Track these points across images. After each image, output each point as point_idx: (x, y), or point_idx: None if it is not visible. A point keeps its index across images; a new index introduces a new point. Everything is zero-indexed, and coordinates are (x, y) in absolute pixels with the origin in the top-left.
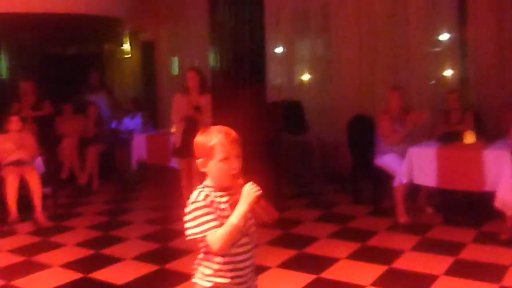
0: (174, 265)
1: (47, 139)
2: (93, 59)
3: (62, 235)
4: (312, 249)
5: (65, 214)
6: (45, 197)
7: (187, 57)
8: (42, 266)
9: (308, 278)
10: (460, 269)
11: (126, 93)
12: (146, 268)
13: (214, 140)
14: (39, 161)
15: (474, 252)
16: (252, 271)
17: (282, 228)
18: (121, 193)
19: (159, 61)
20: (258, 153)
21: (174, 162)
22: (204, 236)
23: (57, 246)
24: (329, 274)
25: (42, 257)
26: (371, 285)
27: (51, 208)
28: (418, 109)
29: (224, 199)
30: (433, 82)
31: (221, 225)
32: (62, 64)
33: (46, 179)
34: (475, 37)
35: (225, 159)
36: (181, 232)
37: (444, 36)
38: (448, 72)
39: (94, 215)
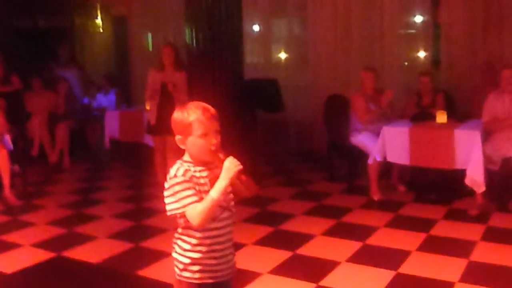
0: (149, 243)
1: (16, 115)
2: (63, 33)
3: (33, 214)
4: (288, 226)
5: (36, 193)
6: (14, 174)
7: (161, 32)
8: (12, 246)
9: (285, 254)
10: (431, 245)
11: (98, 69)
12: (120, 246)
13: (193, 116)
14: (7, 138)
15: (445, 228)
16: (231, 246)
17: (258, 206)
18: (94, 171)
19: (132, 37)
20: (234, 131)
21: (148, 140)
22: (184, 211)
23: (27, 225)
24: (305, 250)
25: (12, 236)
26: (346, 261)
27: (20, 187)
28: (391, 89)
29: (204, 174)
30: (406, 63)
31: (200, 200)
32: (31, 38)
33: (14, 157)
34: (448, 20)
35: (204, 135)
36: (155, 210)
37: (418, 18)
38: (421, 54)
39: (65, 194)
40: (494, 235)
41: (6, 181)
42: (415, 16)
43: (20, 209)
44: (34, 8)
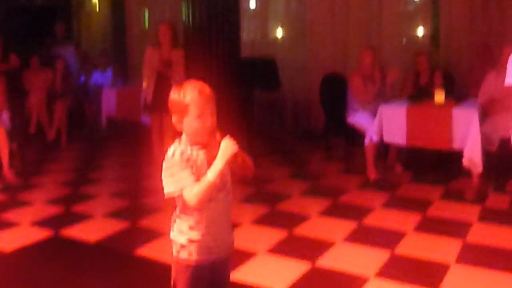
0: (146, 222)
1: (13, 93)
2: (60, 11)
3: (31, 192)
4: (284, 206)
5: (34, 171)
6: (11, 153)
7: (158, 10)
8: (10, 224)
9: (281, 234)
10: (428, 225)
11: (95, 47)
12: (118, 225)
13: (189, 97)
14: (5, 116)
15: (441, 209)
16: (228, 226)
17: (254, 186)
18: (91, 150)
19: (129, 14)
20: (230, 109)
21: (145, 118)
22: (181, 192)
23: (25, 203)
24: (301, 230)
25: (11, 215)
26: (342, 241)
27: (18, 165)
28: (390, 67)
29: (201, 154)
30: (405, 41)
31: (198, 180)
32: (28, 16)
33: (12, 135)
34: None
35: (200, 116)
36: (152, 189)
37: None
38: (419, 31)
39: (63, 172)
40: (491, 216)
41: (5, 160)
42: None
43: (19, 187)
44: None
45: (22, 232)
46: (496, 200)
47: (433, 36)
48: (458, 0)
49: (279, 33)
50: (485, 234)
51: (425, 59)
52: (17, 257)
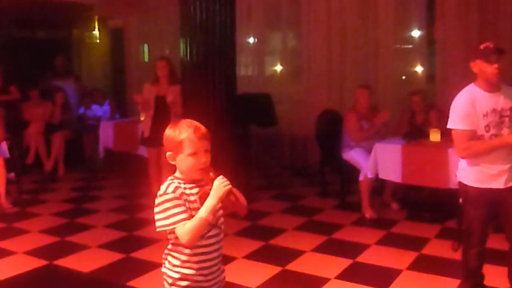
0: (141, 254)
1: (13, 124)
2: (61, 44)
3: (27, 222)
4: (278, 241)
5: (30, 200)
6: (9, 182)
7: (157, 45)
8: (5, 253)
9: (274, 269)
10: (423, 264)
11: (95, 80)
12: (112, 256)
13: (183, 135)
14: (4, 146)
15: (437, 248)
16: (220, 262)
17: (249, 220)
18: (88, 181)
19: (128, 49)
20: (227, 145)
21: (142, 151)
22: (173, 228)
23: (21, 232)
24: (295, 266)
25: (6, 243)
26: (336, 278)
27: (15, 194)
28: (385, 105)
29: (194, 191)
30: (404, 77)
31: (190, 217)
32: (30, 48)
33: (10, 165)
34: (443, 36)
35: (194, 154)
36: (147, 221)
37: (413, 34)
38: (416, 69)
39: (59, 202)
40: (489, 257)
41: (2, 189)
42: (410, 31)
43: (15, 216)
44: (32, 19)
45: (16, 261)
46: (494, 241)
47: (429, 74)
48: (454, 39)
49: (276, 68)
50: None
51: (420, 99)
52: (11, 286)
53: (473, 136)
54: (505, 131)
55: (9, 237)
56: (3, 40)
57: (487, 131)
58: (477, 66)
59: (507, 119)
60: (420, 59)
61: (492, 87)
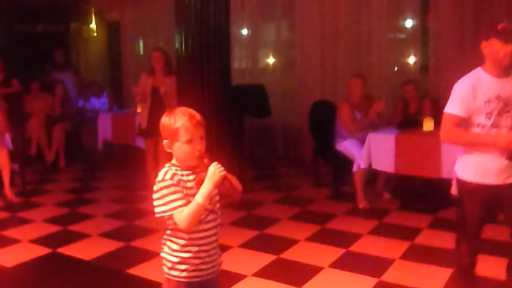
0: (140, 243)
1: (15, 116)
2: (59, 38)
3: (31, 211)
4: (273, 230)
5: (33, 191)
6: (13, 173)
7: (152, 38)
8: (11, 241)
9: (269, 258)
10: (415, 253)
11: (92, 72)
12: (112, 245)
13: (179, 122)
14: (7, 138)
15: (429, 237)
16: (217, 246)
17: (244, 209)
18: (88, 172)
19: (125, 41)
20: (221, 135)
21: (140, 142)
22: (172, 214)
23: (25, 221)
24: (289, 254)
25: (11, 232)
26: (330, 266)
27: (19, 185)
28: (379, 95)
29: (191, 177)
30: (397, 69)
31: (188, 203)
32: (30, 42)
33: (14, 156)
34: (437, 25)
35: (189, 141)
36: (146, 211)
37: (406, 23)
38: (409, 59)
39: (61, 192)
40: (487, 249)
41: (6, 179)
42: (404, 20)
43: (19, 206)
44: (32, 14)
45: (22, 249)
46: (488, 230)
47: (423, 64)
48: (448, 28)
49: (269, 60)
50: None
51: (413, 88)
52: (17, 272)
53: (462, 123)
54: (507, 121)
55: (14, 226)
56: (4, 35)
57: (488, 119)
58: (491, 46)
59: None
60: (414, 48)
61: (501, 71)
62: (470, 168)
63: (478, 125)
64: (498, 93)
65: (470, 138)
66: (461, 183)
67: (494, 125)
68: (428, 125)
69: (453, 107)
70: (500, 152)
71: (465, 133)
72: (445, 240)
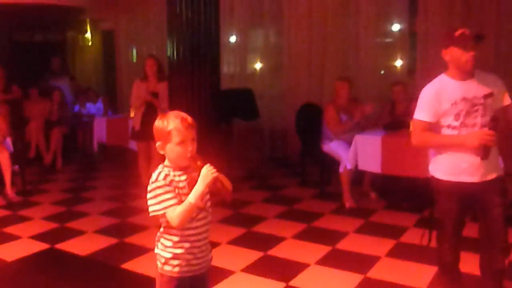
0: (133, 239)
1: (16, 120)
2: (57, 46)
3: (30, 209)
4: (260, 228)
5: (33, 190)
6: (13, 174)
7: (145, 45)
8: (12, 237)
9: (256, 254)
10: (401, 252)
11: (88, 79)
12: (107, 241)
13: (172, 125)
14: (9, 141)
15: (415, 236)
16: (208, 243)
17: (232, 208)
18: (83, 172)
19: (119, 49)
20: (211, 137)
21: (133, 145)
22: (165, 212)
23: (25, 219)
24: (276, 251)
25: (12, 229)
26: (316, 263)
27: (19, 185)
28: (366, 99)
29: (183, 178)
30: (383, 72)
31: (180, 202)
32: (29, 51)
33: (14, 158)
34: (425, 29)
35: (182, 142)
36: (139, 209)
37: (394, 27)
38: (396, 63)
39: (58, 192)
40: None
41: (8, 180)
42: (391, 25)
43: (19, 205)
44: (31, 24)
45: (22, 244)
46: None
47: (410, 67)
48: (436, 31)
49: (258, 65)
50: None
51: (401, 89)
52: (17, 266)
53: (430, 127)
54: (478, 120)
55: (15, 223)
56: (5, 44)
57: (457, 120)
58: (451, 53)
59: (480, 107)
60: (401, 52)
61: (464, 75)
62: (445, 167)
63: (448, 126)
64: (463, 95)
65: (440, 140)
66: (437, 182)
67: (463, 125)
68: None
69: (420, 114)
70: (473, 151)
71: (435, 136)
72: (432, 239)
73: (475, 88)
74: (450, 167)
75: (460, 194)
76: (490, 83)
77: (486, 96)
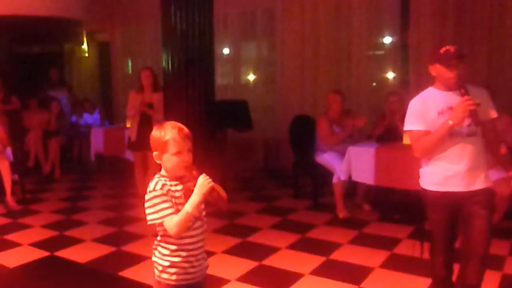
0: (130, 247)
1: (15, 130)
2: (54, 58)
3: (30, 218)
4: (254, 238)
5: (32, 199)
6: (13, 183)
7: (140, 57)
8: (13, 245)
9: (251, 264)
10: (394, 263)
11: (85, 90)
12: (104, 249)
13: (168, 135)
14: (8, 150)
15: (408, 248)
16: (203, 251)
17: (227, 219)
18: (81, 182)
19: (114, 61)
20: (205, 148)
21: (129, 155)
22: (162, 221)
23: (25, 227)
24: (270, 261)
25: (13, 236)
26: (310, 273)
27: (19, 193)
28: (359, 110)
29: (179, 187)
30: (375, 84)
31: (176, 211)
32: (27, 62)
33: (14, 167)
34: (417, 41)
35: (178, 153)
36: (135, 218)
37: (386, 40)
38: (389, 75)
39: (57, 201)
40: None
41: (8, 188)
42: (383, 37)
43: (19, 213)
44: (29, 36)
45: (22, 252)
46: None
47: (402, 79)
48: (428, 44)
49: (251, 77)
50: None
51: (397, 99)
52: (18, 273)
53: (426, 135)
54: (464, 129)
55: (15, 231)
56: (3, 55)
57: (458, 123)
58: (436, 70)
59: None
60: (393, 64)
61: (451, 88)
62: (432, 178)
63: None
64: (449, 105)
65: (433, 136)
66: (426, 193)
67: (450, 134)
68: (407, 139)
69: (411, 125)
70: (458, 156)
71: (427, 137)
72: (424, 251)
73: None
74: (437, 178)
75: (447, 204)
76: (478, 96)
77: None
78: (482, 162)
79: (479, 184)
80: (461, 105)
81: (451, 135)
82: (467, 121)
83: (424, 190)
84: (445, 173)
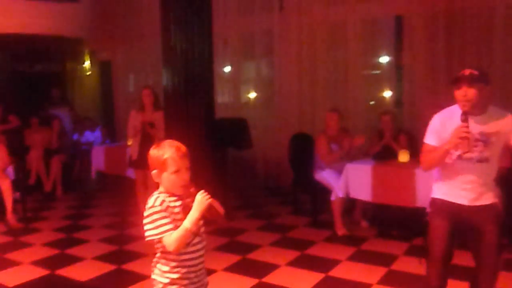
0: (130, 266)
1: (17, 149)
2: (56, 77)
3: (31, 236)
4: (255, 256)
5: (33, 217)
6: (15, 201)
7: (141, 76)
8: (13, 263)
9: (251, 281)
10: (392, 279)
11: (86, 108)
12: (105, 267)
13: (167, 154)
14: (10, 169)
15: (405, 264)
16: (203, 268)
17: (227, 236)
18: (82, 200)
19: (116, 80)
20: (206, 166)
21: (130, 173)
22: (161, 237)
23: (26, 245)
24: (270, 278)
25: (13, 255)
26: None
27: (20, 212)
28: (355, 129)
29: (177, 203)
30: (373, 103)
31: (175, 227)
32: (29, 81)
33: (15, 185)
34: (411, 62)
35: (176, 171)
36: (136, 237)
37: (381, 60)
38: (384, 94)
39: (58, 219)
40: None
41: (9, 207)
42: (378, 58)
43: (20, 231)
44: (31, 55)
45: (22, 270)
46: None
47: (398, 98)
48: (421, 65)
49: (251, 95)
50: None
51: (389, 119)
52: None
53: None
54: (473, 155)
55: (16, 250)
56: (5, 74)
57: (456, 149)
58: (454, 91)
59: (481, 143)
60: (388, 84)
61: (473, 110)
62: (442, 189)
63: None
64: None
65: (436, 152)
66: (432, 201)
67: (460, 157)
68: (403, 156)
69: (427, 138)
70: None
71: (431, 152)
72: (421, 267)
73: (481, 125)
74: (447, 190)
75: (450, 212)
76: (500, 121)
77: (481, 134)
78: (490, 183)
79: (484, 200)
80: (456, 131)
81: (461, 160)
82: (480, 147)
83: (432, 199)
84: (454, 188)
